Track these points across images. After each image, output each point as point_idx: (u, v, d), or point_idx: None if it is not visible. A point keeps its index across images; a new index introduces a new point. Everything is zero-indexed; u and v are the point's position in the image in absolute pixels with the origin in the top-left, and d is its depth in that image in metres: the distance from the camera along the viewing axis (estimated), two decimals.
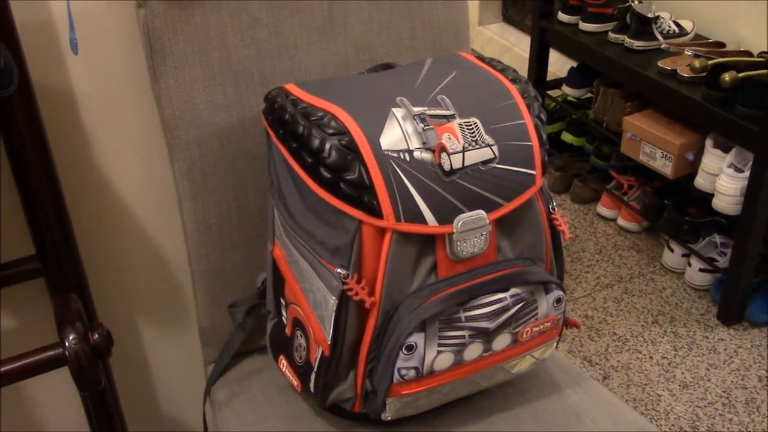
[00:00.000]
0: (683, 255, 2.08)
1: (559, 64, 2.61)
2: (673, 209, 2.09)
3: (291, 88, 0.83)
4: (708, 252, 2.00)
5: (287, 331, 0.91)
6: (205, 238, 0.98)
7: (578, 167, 2.45)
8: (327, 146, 0.75)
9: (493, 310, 0.81)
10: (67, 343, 0.83)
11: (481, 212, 0.80)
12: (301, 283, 0.85)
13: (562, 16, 2.29)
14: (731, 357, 1.82)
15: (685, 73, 1.89)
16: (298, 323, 0.88)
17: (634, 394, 1.71)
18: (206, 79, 0.92)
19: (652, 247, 2.21)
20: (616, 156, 2.32)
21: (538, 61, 2.41)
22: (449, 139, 0.78)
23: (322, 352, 0.82)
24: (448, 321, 0.80)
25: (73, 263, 1.01)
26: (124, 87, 1.03)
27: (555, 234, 0.90)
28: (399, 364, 0.79)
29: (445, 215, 0.78)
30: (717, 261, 1.98)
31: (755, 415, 1.65)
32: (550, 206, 0.89)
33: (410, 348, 0.78)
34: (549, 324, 0.88)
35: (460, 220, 0.79)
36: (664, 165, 1.98)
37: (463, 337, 0.81)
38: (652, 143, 1.99)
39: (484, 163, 0.80)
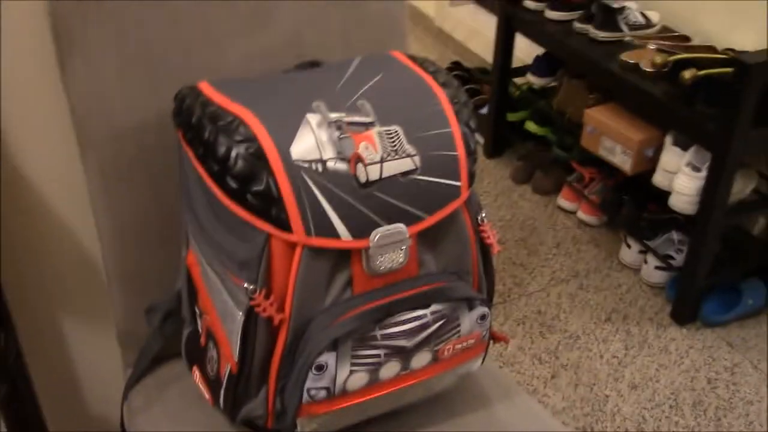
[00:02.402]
0: (640, 252, 2.06)
1: (530, 50, 2.56)
2: (632, 205, 2.06)
3: (204, 87, 0.78)
4: (665, 249, 1.98)
5: (202, 341, 0.87)
6: (121, 238, 0.93)
7: (541, 157, 2.41)
8: (233, 154, 0.71)
9: (412, 328, 0.78)
10: None
11: (401, 226, 0.76)
12: (211, 294, 0.80)
13: (529, 3, 2.24)
14: (682, 358, 1.81)
15: (647, 67, 1.85)
16: (210, 334, 0.83)
17: (582, 394, 1.69)
18: (120, 70, 0.86)
19: (611, 242, 2.19)
20: (578, 148, 2.29)
21: (504, 47, 2.36)
22: (366, 148, 0.74)
23: (230, 368, 0.78)
24: (362, 339, 0.76)
25: None
26: (38, 77, 0.96)
27: (484, 247, 0.86)
28: (308, 384, 0.75)
29: (361, 229, 0.74)
30: (673, 259, 1.96)
31: (701, 418, 1.64)
32: (479, 218, 0.85)
33: (320, 368, 0.74)
34: (473, 341, 0.84)
35: (377, 234, 0.74)
36: (623, 160, 1.95)
37: (378, 356, 0.77)
38: (611, 138, 1.96)
39: (404, 174, 0.75)
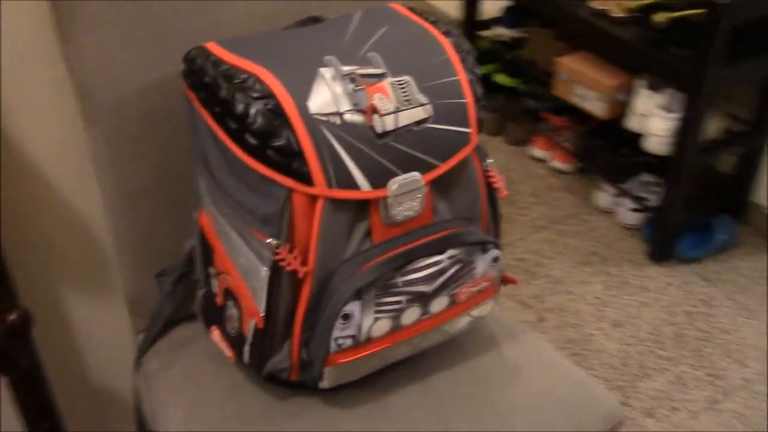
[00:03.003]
0: (615, 195, 2.11)
1: (494, 4, 2.56)
2: (606, 150, 2.10)
3: (212, 47, 0.78)
4: (638, 191, 2.03)
5: (218, 300, 0.88)
6: (129, 205, 0.93)
7: (512, 108, 2.44)
8: (252, 111, 0.71)
9: (430, 273, 0.80)
10: None
11: (416, 174, 0.77)
12: (230, 253, 0.81)
13: None
14: (661, 294, 1.87)
15: (617, 13, 1.88)
16: (229, 293, 0.84)
17: (568, 335, 1.75)
18: (122, 37, 0.85)
19: (585, 188, 2.24)
20: (549, 97, 2.32)
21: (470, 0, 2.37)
22: (381, 99, 0.75)
23: (255, 324, 0.79)
24: (385, 287, 0.77)
25: None
26: (34, 49, 0.95)
27: (491, 192, 0.89)
28: (335, 333, 0.77)
29: (379, 179, 0.75)
30: (647, 200, 2.02)
31: (683, 349, 1.71)
32: (486, 163, 0.87)
33: (346, 317, 0.76)
34: (487, 283, 0.86)
35: (395, 183, 0.76)
36: (596, 106, 1.98)
37: (400, 302, 0.79)
38: (584, 85, 1.99)
39: (418, 123, 0.77)
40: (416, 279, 0.79)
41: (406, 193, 0.77)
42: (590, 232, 2.07)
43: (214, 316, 0.89)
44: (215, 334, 0.89)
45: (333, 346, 0.77)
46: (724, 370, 1.66)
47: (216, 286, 0.88)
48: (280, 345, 0.82)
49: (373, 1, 0.95)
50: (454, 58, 0.81)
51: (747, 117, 1.94)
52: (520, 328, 1.03)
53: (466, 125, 0.80)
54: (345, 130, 0.73)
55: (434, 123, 0.78)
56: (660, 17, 1.68)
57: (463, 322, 0.89)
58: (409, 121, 0.76)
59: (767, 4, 1.65)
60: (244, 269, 0.79)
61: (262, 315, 0.78)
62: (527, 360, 0.98)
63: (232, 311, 0.85)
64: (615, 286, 1.90)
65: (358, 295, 0.76)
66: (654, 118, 1.81)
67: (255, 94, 0.71)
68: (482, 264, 0.84)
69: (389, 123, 0.75)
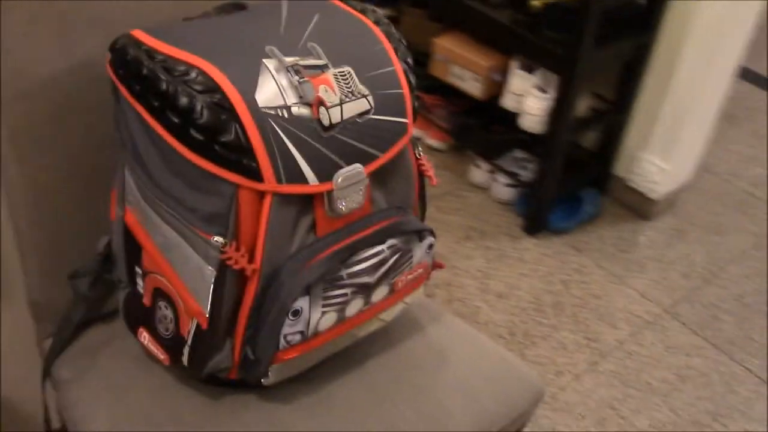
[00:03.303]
0: (489, 171, 2.19)
1: None
2: (480, 128, 2.18)
3: (140, 35, 0.73)
4: (510, 167, 2.13)
5: (146, 301, 0.84)
6: (37, 205, 0.86)
7: None
8: (198, 105, 0.68)
9: (373, 264, 0.80)
10: None
11: (359, 166, 0.77)
12: (166, 252, 0.77)
13: None
14: (537, 264, 1.97)
15: None
16: (160, 293, 0.81)
17: (457, 309, 1.81)
18: (27, 24, 0.78)
19: (460, 165, 2.31)
20: (424, 76, 2.36)
21: None
22: (326, 91, 0.73)
23: (198, 324, 0.76)
24: (332, 280, 0.77)
25: None
26: None
27: (422, 180, 0.90)
28: (285, 330, 0.75)
29: (325, 172, 0.74)
30: (520, 176, 2.11)
31: (562, 316, 1.82)
32: (417, 152, 0.88)
33: (296, 313, 0.75)
34: (421, 270, 0.88)
35: (340, 176, 0.75)
36: (473, 86, 2.04)
37: (345, 294, 0.79)
38: (461, 65, 2.04)
39: (361, 115, 0.76)
40: (360, 270, 0.79)
41: (350, 186, 0.77)
42: (468, 208, 2.15)
43: (141, 317, 0.85)
44: (144, 336, 0.85)
45: (282, 342, 0.76)
46: (599, 333, 1.78)
47: (142, 286, 0.83)
48: (222, 344, 0.79)
49: None
50: (388, 47, 0.81)
51: (609, 96, 2.07)
52: (440, 310, 1.06)
53: (404, 115, 0.81)
54: (293, 124, 0.71)
55: (375, 114, 0.77)
56: (537, 1, 1.75)
57: (397, 309, 0.90)
58: (353, 113, 0.75)
59: None
60: (184, 269, 0.76)
61: (206, 315, 0.75)
62: (452, 341, 1.00)
63: (164, 312, 0.81)
64: (495, 259, 1.98)
65: (306, 290, 0.75)
66: (529, 98, 1.89)
67: (199, 87, 0.68)
68: (419, 252, 0.85)
69: (335, 115, 0.74)
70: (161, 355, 0.83)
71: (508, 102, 1.98)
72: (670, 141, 2.03)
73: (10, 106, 0.80)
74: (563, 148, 1.93)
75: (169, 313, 0.80)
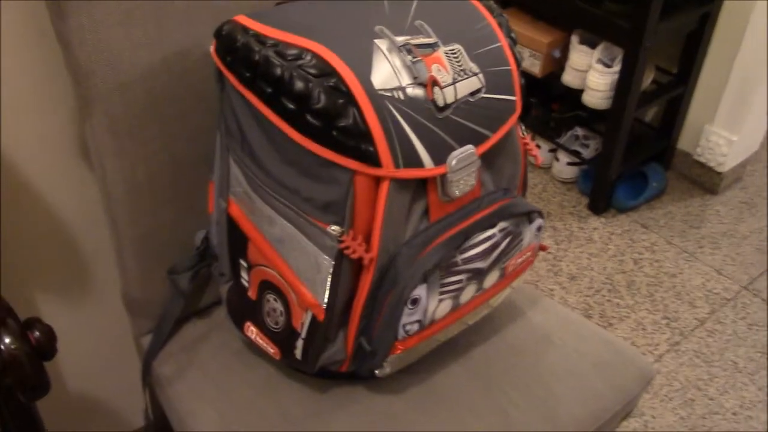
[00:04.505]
0: (550, 150, 2.15)
1: None
2: (540, 106, 2.13)
3: (244, 20, 0.71)
4: (570, 145, 2.08)
5: (251, 294, 0.82)
6: (135, 199, 0.85)
7: None
8: (315, 90, 0.65)
9: (485, 249, 0.77)
10: (2, 347, 0.69)
11: (471, 147, 0.74)
12: (277, 243, 0.75)
13: None
14: (606, 244, 1.93)
15: None
16: (268, 285, 0.79)
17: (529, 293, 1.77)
18: (123, 14, 0.76)
19: None
20: None
21: None
22: (439, 70, 0.71)
23: (313, 316, 0.74)
24: (447, 267, 0.74)
25: None
26: (10, 30, 0.83)
27: (526, 159, 0.87)
28: (404, 319, 0.73)
29: (439, 155, 0.72)
30: (581, 153, 2.06)
31: (638, 296, 1.78)
32: (522, 131, 0.85)
33: (415, 302, 0.73)
34: (529, 253, 0.85)
35: (453, 158, 0.72)
36: (532, 64, 2.00)
37: (461, 281, 0.76)
38: (520, 44, 2.00)
39: (473, 94, 0.73)
40: (474, 255, 0.76)
41: (463, 168, 0.74)
42: (530, 189, 2.10)
43: (247, 311, 0.83)
44: (251, 330, 0.83)
45: (401, 332, 0.74)
46: (678, 312, 1.74)
47: (247, 279, 0.82)
48: (335, 336, 0.77)
49: None
50: (493, 23, 0.78)
51: (671, 69, 2.01)
52: (536, 294, 1.03)
53: (512, 93, 0.77)
54: (409, 105, 0.68)
55: (486, 93, 0.74)
56: None
57: (504, 294, 0.87)
58: (466, 92, 0.72)
59: None
60: (299, 261, 0.73)
61: (323, 307, 0.73)
62: (554, 325, 0.98)
63: (273, 305, 0.79)
64: (563, 240, 1.94)
65: (424, 278, 0.73)
66: (593, 73, 1.84)
67: (314, 71, 0.66)
68: (528, 234, 0.82)
69: (449, 95, 0.71)
70: (271, 349, 0.81)
71: (569, 78, 1.93)
72: (737, 112, 1.96)
73: (109, 97, 0.78)
74: (629, 124, 1.88)
75: (278, 305, 0.78)
